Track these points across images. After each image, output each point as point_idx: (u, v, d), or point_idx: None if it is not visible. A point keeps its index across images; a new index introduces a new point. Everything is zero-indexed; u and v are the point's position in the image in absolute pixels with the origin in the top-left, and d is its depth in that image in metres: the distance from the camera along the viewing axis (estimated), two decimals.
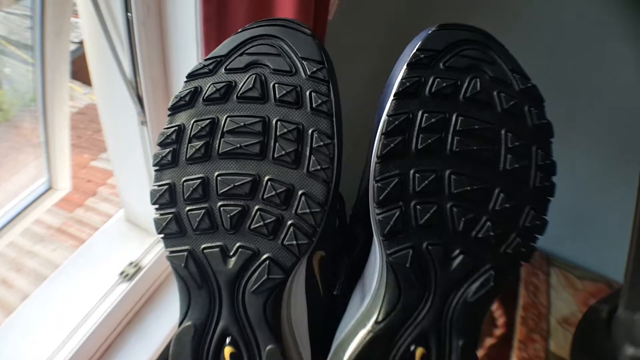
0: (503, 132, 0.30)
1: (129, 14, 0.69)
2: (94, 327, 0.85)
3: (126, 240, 1.01)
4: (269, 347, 0.30)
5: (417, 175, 0.29)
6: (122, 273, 0.93)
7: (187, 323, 0.32)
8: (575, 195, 1.41)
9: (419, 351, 0.30)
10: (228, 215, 0.30)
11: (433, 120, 0.29)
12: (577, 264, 1.47)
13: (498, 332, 1.24)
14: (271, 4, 0.66)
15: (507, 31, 1.24)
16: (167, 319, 0.95)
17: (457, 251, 0.30)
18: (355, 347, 0.30)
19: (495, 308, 1.29)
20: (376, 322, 0.30)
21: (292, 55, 0.31)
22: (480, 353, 1.20)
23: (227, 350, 0.31)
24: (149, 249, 0.98)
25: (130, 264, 0.95)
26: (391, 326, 0.30)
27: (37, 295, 0.93)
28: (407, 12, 1.24)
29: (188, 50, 0.71)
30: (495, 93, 0.30)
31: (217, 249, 0.30)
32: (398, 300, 0.30)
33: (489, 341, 1.22)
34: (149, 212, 0.97)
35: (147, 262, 0.95)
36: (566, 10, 1.17)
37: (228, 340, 0.31)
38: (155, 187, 0.31)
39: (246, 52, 0.31)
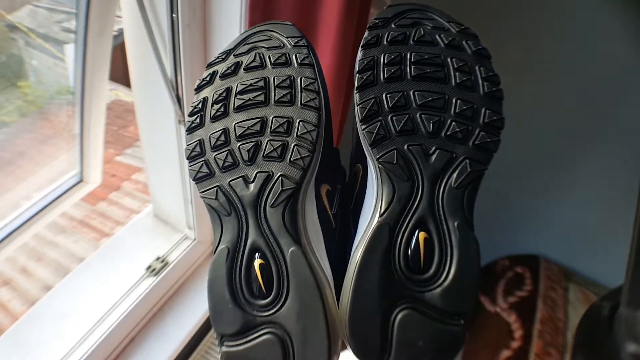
0: (449, 58, 0.39)
1: (174, 16, 0.71)
2: (118, 320, 0.87)
3: (154, 235, 1.02)
4: (291, 249, 0.36)
5: (388, 95, 0.37)
6: (148, 267, 0.95)
7: (221, 247, 0.37)
8: (595, 213, 1.41)
9: (422, 235, 0.35)
10: (245, 150, 0.37)
11: (392, 57, 0.38)
12: (596, 280, 1.46)
13: (515, 344, 1.23)
14: (315, 15, 0.67)
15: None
16: (190, 315, 0.97)
17: (433, 148, 0.37)
18: (367, 239, 0.35)
19: (513, 320, 1.29)
20: (380, 215, 0.36)
21: (280, 36, 0.42)
22: None
23: (257, 263, 0.36)
24: (176, 245, 1.00)
25: (157, 259, 0.96)
26: (392, 215, 0.36)
27: (63, 285, 0.95)
28: None
29: None
30: (437, 35, 0.39)
31: (240, 179, 0.37)
32: (394, 193, 0.36)
33: (505, 353, 1.22)
34: (178, 209, 0.99)
35: (173, 258, 0.97)
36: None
37: (257, 255, 0.36)
38: (188, 146, 0.39)
39: (247, 42, 0.42)
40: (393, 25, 0.40)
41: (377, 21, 0.40)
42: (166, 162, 0.93)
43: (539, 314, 1.31)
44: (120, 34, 0.84)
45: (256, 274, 0.36)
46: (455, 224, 0.35)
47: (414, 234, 0.35)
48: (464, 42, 0.39)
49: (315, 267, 0.36)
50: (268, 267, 0.36)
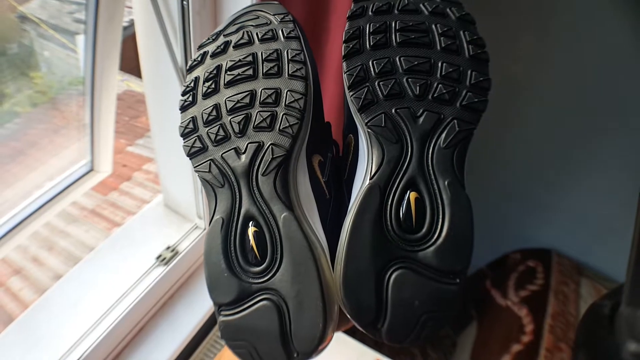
0: (433, 25, 0.39)
1: (184, 3, 0.70)
2: (128, 309, 0.87)
3: (164, 225, 1.03)
4: (283, 214, 0.36)
5: (374, 62, 0.38)
6: (158, 257, 0.95)
7: (216, 217, 0.37)
8: (609, 207, 1.39)
9: (412, 195, 0.36)
10: (236, 123, 0.38)
11: (377, 26, 0.39)
12: (608, 275, 1.45)
13: (526, 339, 1.22)
14: (327, 9, 0.66)
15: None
16: (200, 304, 0.97)
17: (421, 110, 0.37)
18: (358, 201, 0.36)
19: (524, 315, 1.28)
20: (370, 178, 0.36)
21: (267, 14, 0.43)
22: (506, 359, 1.20)
23: (251, 230, 0.37)
24: (187, 234, 1.00)
25: (168, 248, 0.96)
26: (382, 177, 0.36)
27: (73, 274, 0.95)
28: None
29: None
30: (421, 4, 0.40)
31: (232, 151, 0.38)
32: (383, 155, 0.36)
33: (516, 347, 1.21)
34: (188, 199, 0.99)
35: (184, 248, 0.97)
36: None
37: (251, 223, 0.37)
38: (182, 124, 0.40)
39: (236, 23, 0.44)
40: None
41: None
42: (176, 151, 0.93)
43: (550, 308, 1.30)
44: (131, 24, 0.84)
45: (250, 242, 0.37)
46: (446, 182, 0.35)
47: (405, 195, 0.36)
48: (447, 9, 0.40)
49: (308, 232, 0.37)
50: (262, 234, 0.37)
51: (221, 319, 0.37)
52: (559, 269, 1.43)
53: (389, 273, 0.35)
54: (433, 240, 0.35)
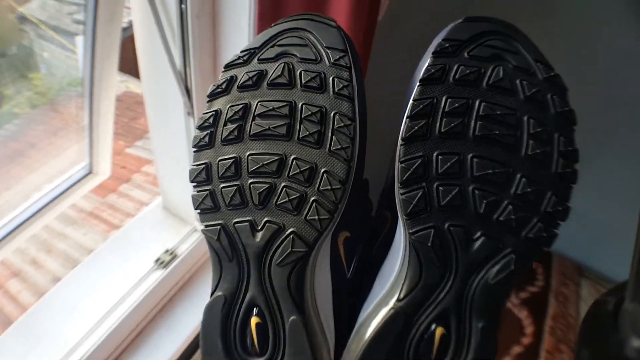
0: (525, 118, 0.31)
1: (182, 6, 0.70)
2: (127, 312, 0.86)
3: (163, 228, 1.02)
4: (292, 318, 0.32)
5: (440, 157, 0.30)
6: (157, 260, 0.94)
7: (218, 293, 0.34)
8: (610, 209, 1.39)
9: (439, 331, 0.31)
10: (257, 192, 0.32)
11: (456, 105, 0.31)
12: (609, 277, 1.44)
13: (526, 340, 1.22)
14: (326, 1, 0.66)
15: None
16: (199, 308, 0.96)
17: (478, 233, 0.30)
18: (377, 324, 0.32)
19: (524, 316, 1.27)
20: (398, 300, 0.31)
21: (318, 45, 0.34)
22: None
23: (254, 321, 0.33)
24: (185, 237, 0.99)
25: (166, 251, 0.96)
26: (412, 304, 0.31)
27: (72, 277, 0.95)
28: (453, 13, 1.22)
29: (240, 45, 0.71)
30: (518, 81, 0.31)
31: (246, 224, 0.33)
32: (420, 278, 0.31)
33: (516, 349, 1.21)
34: (187, 201, 0.98)
35: (182, 251, 0.96)
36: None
37: (255, 311, 0.33)
38: (194, 167, 0.34)
39: (277, 44, 0.34)
40: (466, 55, 0.32)
41: (447, 45, 0.32)
42: (175, 154, 0.92)
43: (550, 310, 1.30)
44: (130, 25, 0.84)
45: (252, 332, 0.33)
46: (480, 325, 0.30)
47: (431, 327, 0.31)
48: (548, 97, 0.31)
49: (316, 335, 0.33)
50: (265, 328, 0.33)
51: None
52: (560, 270, 1.42)
53: None
54: None
